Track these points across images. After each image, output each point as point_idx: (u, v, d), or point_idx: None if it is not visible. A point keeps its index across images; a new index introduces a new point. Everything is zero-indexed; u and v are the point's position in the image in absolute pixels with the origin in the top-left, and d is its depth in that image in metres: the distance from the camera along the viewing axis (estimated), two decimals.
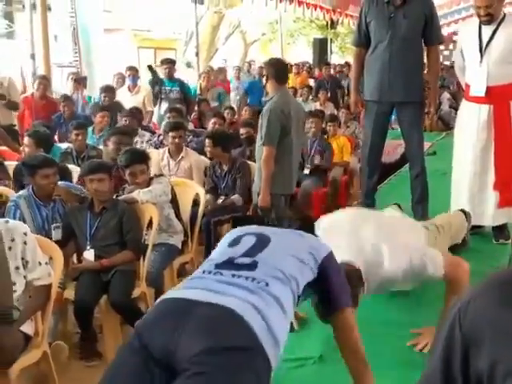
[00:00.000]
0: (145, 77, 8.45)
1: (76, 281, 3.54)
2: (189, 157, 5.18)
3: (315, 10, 12.37)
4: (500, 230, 3.93)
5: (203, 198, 4.42)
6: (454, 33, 19.70)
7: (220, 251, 1.91)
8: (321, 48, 14.74)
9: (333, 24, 13.88)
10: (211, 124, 6.30)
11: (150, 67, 7.73)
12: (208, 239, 4.71)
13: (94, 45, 10.06)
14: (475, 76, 3.78)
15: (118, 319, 3.52)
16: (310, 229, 4.15)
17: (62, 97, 7.12)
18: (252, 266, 1.75)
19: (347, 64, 13.88)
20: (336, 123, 6.93)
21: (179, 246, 4.19)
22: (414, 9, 4.07)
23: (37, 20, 8.03)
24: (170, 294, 1.75)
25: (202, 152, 5.42)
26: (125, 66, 8.26)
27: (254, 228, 2.02)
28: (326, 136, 6.69)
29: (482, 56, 3.72)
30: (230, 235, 2.01)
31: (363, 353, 1.95)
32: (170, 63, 7.81)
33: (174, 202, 4.16)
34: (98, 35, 10.47)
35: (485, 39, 3.73)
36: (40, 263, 2.74)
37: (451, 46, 17.06)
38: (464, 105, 3.95)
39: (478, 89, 3.74)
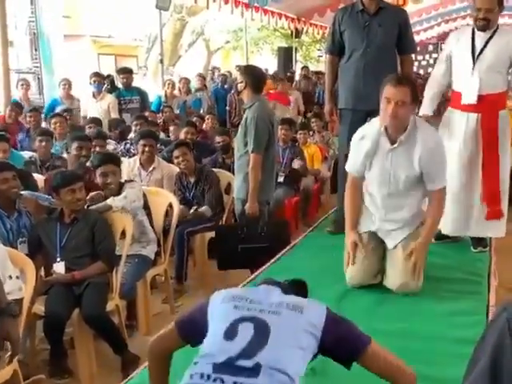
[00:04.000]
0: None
1: (45, 294, 3.39)
2: (161, 168, 5.05)
3: (280, 18, 12.39)
4: (478, 239, 3.94)
5: (177, 207, 4.31)
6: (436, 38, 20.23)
7: (216, 345, 1.76)
8: (285, 57, 14.77)
9: (297, 33, 13.93)
10: (183, 133, 6.17)
11: (110, 79, 7.67)
12: (180, 250, 4.61)
13: (53, 51, 9.85)
14: (467, 84, 3.77)
15: (90, 334, 3.38)
16: (286, 234, 4.22)
17: (28, 109, 6.92)
18: (254, 371, 1.65)
19: (306, 67, 14.01)
20: (307, 131, 6.91)
21: (152, 257, 4.08)
22: (389, 18, 4.09)
23: None
24: None
25: (170, 161, 5.33)
26: (86, 73, 8.10)
27: (249, 304, 1.85)
28: (296, 144, 6.67)
29: (474, 64, 3.73)
30: (224, 315, 1.84)
31: (409, 373, 1.85)
32: (127, 73, 7.74)
33: (147, 208, 4.07)
34: (57, 41, 10.27)
35: (478, 47, 3.73)
36: (10, 277, 2.60)
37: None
38: (450, 113, 3.94)
39: (469, 96, 3.74)
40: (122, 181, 4.08)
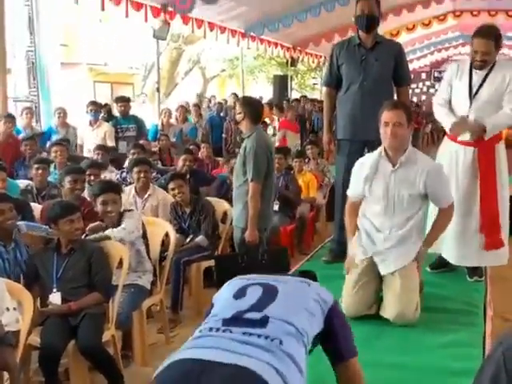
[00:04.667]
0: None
1: (41, 325, 3.37)
2: (156, 194, 5.08)
3: (276, 47, 12.59)
4: (474, 268, 3.96)
5: (173, 237, 4.32)
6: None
7: (225, 304, 1.82)
8: (281, 85, 14.93)
9: (293, 61, 14.12)
10: (181, 161, 6.20)
11: (107, 108, 7.72)
12: (176, 279, 4.61)
13: (50, 79, 9.93)
14: (464, 112, 3.82)
15: (86, 365, 3.35)
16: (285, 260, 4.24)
17: (25, 137, 6.89)
18: (263, 322, 1.69)
19: (304, 97, 14.18)
20: (302, 159, 6.95)
21: (148, 287, 4.07)
22: (385, 52, 4.20)
23: None
24: (181, 354, 1.64)
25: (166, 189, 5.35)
26: (82, 100, 8.17)
27: (257, 277, 1.94)
28: (292, 172, 6.69)
29: (471, 102, 3.78)
30: (231, 285, 1.92)
31: None
32: (124, 101, 7.77)
33: (145, 238, 4.08)
34: (54, 69, 10.35)
35: (475, 84, 3.78)
36: (8, 309, 2.59)
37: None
38: (447, 145, 3.98)
39: (464, 135, 3.78)
40: (122, 210, 4.09)
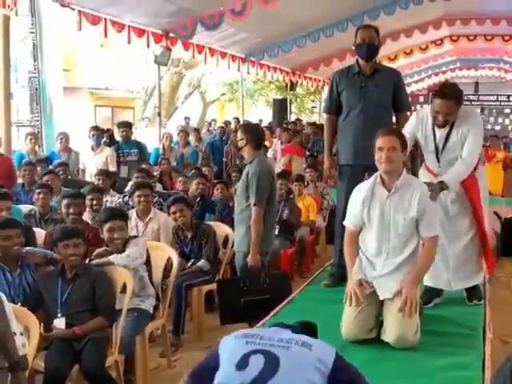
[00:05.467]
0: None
1: (45, 349, 3.40)
2: (157, 218, 5.13)
3: (275, 72, 12.73)
4: (473, 292, 4.00)
5: (176, 261, 4.36)
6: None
7: (228, 375, 1.84)
8: (280, 108, 15.09)
9: (292, 85, 14.28)
10: (195, 185, 6.31)
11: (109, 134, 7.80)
12: (178, 303, 4.64)
13: (53, 104, 10.02)
14: (434, 168, 3.90)
15: None
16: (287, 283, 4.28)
17: (24, 163, 6.86)
18: None
19: (299, 120, 14.31)
20: (302, 183, 7.02)
21: (151, 311, 4.09)
22: (384, 78, 4.29)
23: None
24: None
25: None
26: (84, 125, 8.25)
27: (260, 340, 1.94)
28: (291, 196, 6.75)
29: (438, 158, 3.85)
30: (235, 349, 1.93)
31: None
32: (126, 126, 7.81)
33: (148, 264, 4.11)
34: (57, 94, 10.46)
35: (439, 143, 3.83)
36: (15, 333, 2.63)
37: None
38: (425, 176, 3.98)
39: (439, 178, 3.80)
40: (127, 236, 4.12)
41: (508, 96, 20.78)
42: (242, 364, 1.85)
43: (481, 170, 4.01)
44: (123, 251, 3.92)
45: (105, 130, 8.03)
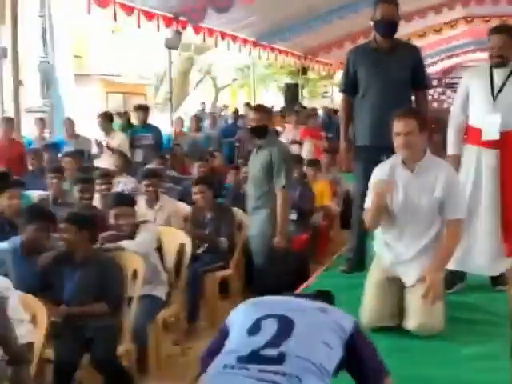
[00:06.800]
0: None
1: (56, 338, 3.31)
2: (167, 206, 5.01)
3: (287, 56, 12.56)
4: (496, 277, 3.85)
5: (189, 247, 4.25)
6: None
7: (240, 341, 1.76)
8: (292, 93, 14.90)
9: (304, 70, 14.09)
10: (196, 168, 6.34)
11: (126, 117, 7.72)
12: (193, 290, 4.54)
13: (64, 90, 9.96)
14: (487, 121, 3.73)
15: (100, 379, 3.29)
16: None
17: (32, 150, 6.87)
18: (280, 359, 1.64)
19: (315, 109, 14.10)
20: (316, 167, 6.87)
21: (164, 298, 4.01)
22: (402, 55, 4.09)
23: (6, 65, 7.91)
24: None
25: (182, 199, 5.31)
26: (95, 111, 8.16)
27: (273, 304, 1.88)
28: (305, 180, 6.61)
29: (494, 101, 3.69)
30: (246, 316, 1.86)
31: None
32: (143, 109, 7.75)
33: (160, 250, 4.03)
34: (68, 81, 10.40)
35: (497, 83, 3.70)
36: (22, 321, 2.55)
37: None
38: (465, 151, 3.88)
39: (490, 134, 3.68)
40: (137, 221, 4.05)
41: None
42: (254, 329, 1.78)
43: None
44: (133, 237, 3.83)
45: (122, 112, 7.88)
